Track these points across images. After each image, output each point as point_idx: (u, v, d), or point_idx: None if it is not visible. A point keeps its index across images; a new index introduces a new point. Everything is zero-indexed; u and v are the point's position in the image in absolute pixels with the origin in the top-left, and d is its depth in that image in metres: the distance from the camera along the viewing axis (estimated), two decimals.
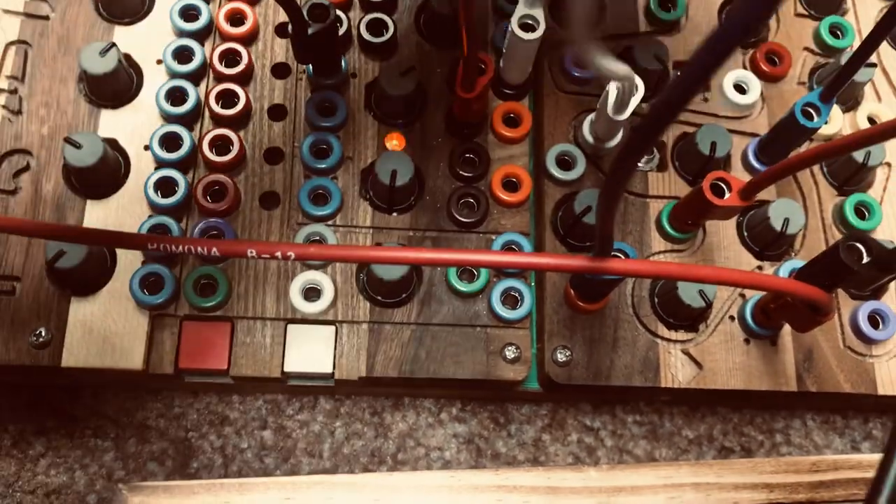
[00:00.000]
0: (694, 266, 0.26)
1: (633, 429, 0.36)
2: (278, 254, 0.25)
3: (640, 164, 0.35)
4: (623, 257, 0.31)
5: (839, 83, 0.30)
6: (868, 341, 0.33)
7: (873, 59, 0.37)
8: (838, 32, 0.37)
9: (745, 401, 0.35)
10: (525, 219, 0.33)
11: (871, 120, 0.36)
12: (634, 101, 0.30)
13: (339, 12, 0.35)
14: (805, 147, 0.35)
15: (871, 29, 0.28)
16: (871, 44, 0.28)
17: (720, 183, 0.30)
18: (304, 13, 0.30)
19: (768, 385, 0.32)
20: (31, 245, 0.31)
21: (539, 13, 0.31)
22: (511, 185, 0.34)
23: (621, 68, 0.27)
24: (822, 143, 0.35)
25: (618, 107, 0.30)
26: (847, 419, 0.37)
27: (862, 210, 0.35)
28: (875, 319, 0.33)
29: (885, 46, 0.38)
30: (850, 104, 0.36)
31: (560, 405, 0.36)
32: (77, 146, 0.31)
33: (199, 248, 0.25)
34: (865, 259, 0.26)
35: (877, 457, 0.31)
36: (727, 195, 0.30)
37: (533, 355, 0.33)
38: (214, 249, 0.25)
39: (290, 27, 0.30)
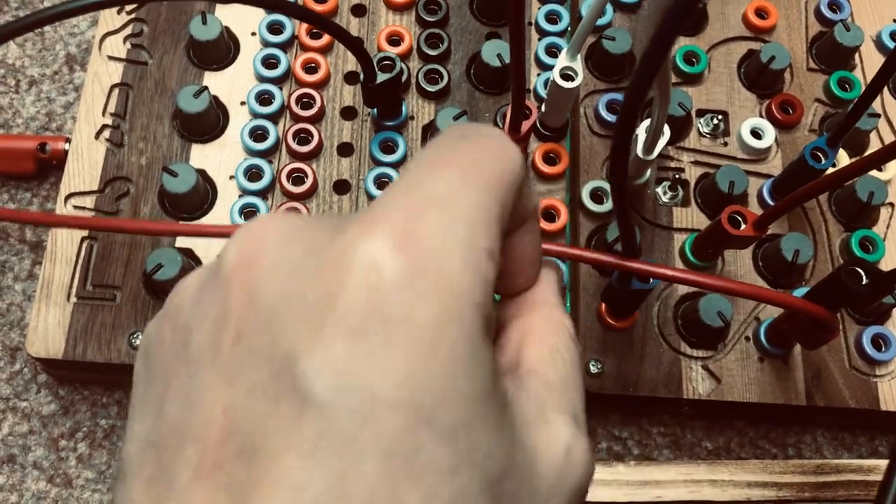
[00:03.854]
0: (712, 276, 0.29)
1: (657, 439, 0.40)
2: None
3: (665, 199, 0.39)
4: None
5: (844, 129, 0.34)
6: (872, 362, 0.37)
7: (879, 109, 0.41)
8: (846, 86, 0.41)
9: (760, 414, 0.39)
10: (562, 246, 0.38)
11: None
12: (661, 143, 0.34)
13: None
14: None
15: (871, 79, 0.32)
16: (871, 93, 0.32)
17: (737, 216, 0.34)
18: (375, 64, 0.35)
19: (781, 399, 0.36)
20: (130, 260, 0.36)
21: (578, 65, 0.35)
22: (549, 216, 0.38)
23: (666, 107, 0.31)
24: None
25: (647, 148, 0.35)
26: (855, 436, 0.40)
27: (867, 244, 0.38)
28: (878, 342, 0.37)
29: (890, 99, 0.42)
30: (856, 150, 0.40)
31: (591, 416, 0.40)
32: (174, 175, 0.35)
33: None
34: (864, 281, 0.30)
35: (874, 462, 0.35)
36: (743, 226, 0.34)
37: None
38: None
39: (361, 76, 0.35)
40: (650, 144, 0.34)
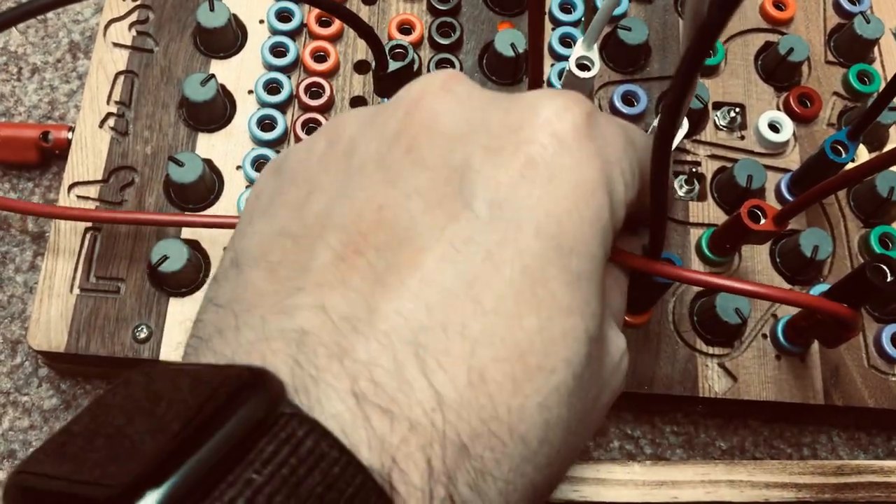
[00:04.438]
0: (734, 278, 0.28)
1: (670, 438, 0.39)
2: None
3: (681, 193, 0.38)
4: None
5: (865, 123, 0.34)
6: (891, 360, 0.36)
7: None
8: (866, 79, 0.40)
9: (775, 413, 0.38)
10: None
11: None
12: (679, 136, 0.34)
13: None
14: None
15: (894, 74, 0.31)
16: (893, 86, 0.31)
17: (756, 210, 0.33)
18: (387, 52, 0.34)
19: (798, 398, 0.35)
20: (134, 251, 0.35)
21: (594, 55, 0.35)
22: None
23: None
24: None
25: None
26: (871, 436, 0.40)
27: (886, 241, 0.38)
28: None
29: None
30: (876, 145, 0.40)
31: None
32: (180, 164, 0.35)
33: None
34: (889, 278, 0.29)
35: (895, 463, 0.34)
36: (762, 221, 0.33)
37: None
38: None
39: (372, 65, 0.34)
40: None
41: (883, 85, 0.41)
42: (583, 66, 0.35)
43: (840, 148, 0.35)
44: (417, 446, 0.17)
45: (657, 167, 0.22)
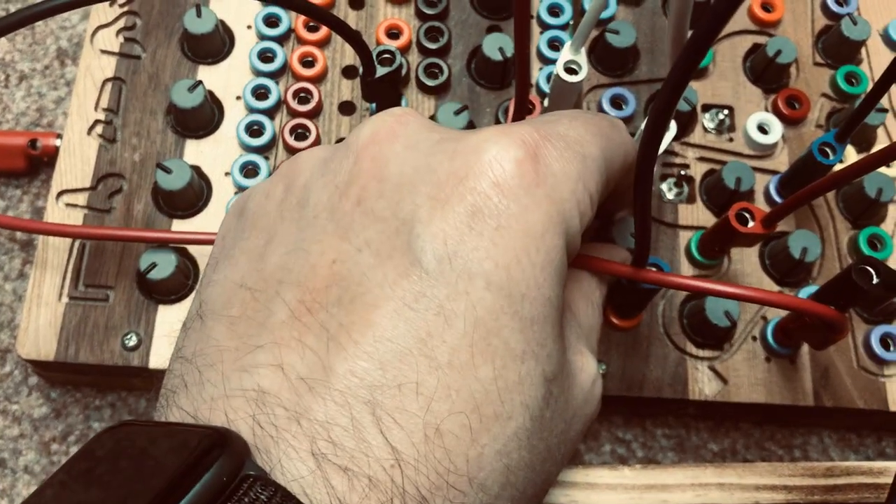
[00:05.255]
0: (722, 282, 0.29)
1: (661, 441, 0.39)
2: None
3: (669, 196, 0.38)
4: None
5: (853, 124, 0.34)
6: (880, 362, 0.36)
7: (886, 104, 0.41)
8: (853, 80, 0.40)
9: (766, 415, 0.38)
10: None
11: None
12: (667, 139, 0.34)
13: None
14: None
15: (881, 75, 0.31)
16: (880, 88, 0.31)
17: (745, 213, 0.33)
18: (374, 57, 0.34)
19: (788, 400, 0.35)
20: (123, 258, 0.35)
21: (582, 59, 0.35)
22: None
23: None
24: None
25: None
26: (861, 437, 0.40)
27: (875, 242, 0.38)
28: (886, 342, 0.36)
29: None
30: (864, 146, 0.40)
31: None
32: (168, 171, 0.35)
33: None
34: (875, 280, 0.29)
35: (885, 464, 0.34)
36: (751, 223, 0.33)
37: None
38: None
39: (360, 70, 0.34)
40: None
41: (870, 86, 0.41)
42: (571, 70, 0.35)
43: (828, 150, 0.35)
44: (378, 503, 0.17)
45: (640, 175, 0.22)
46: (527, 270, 0.19)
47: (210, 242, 0.33)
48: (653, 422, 0.39)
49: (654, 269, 0.34)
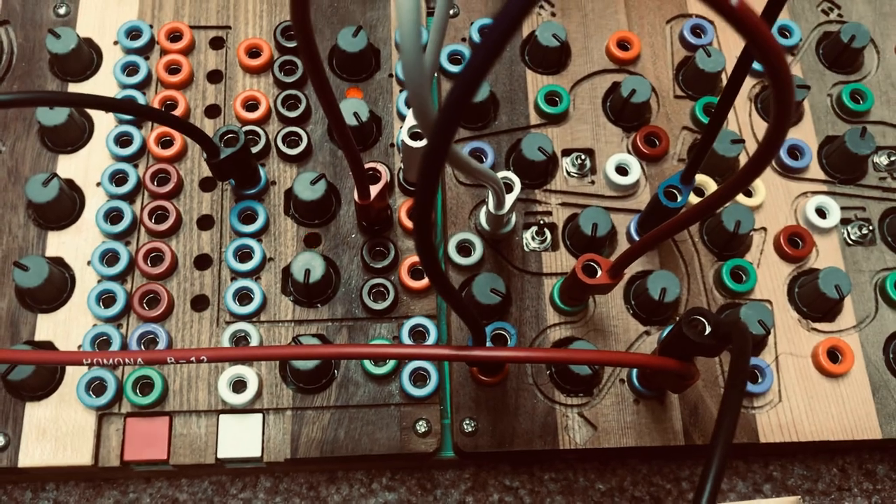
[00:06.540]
0: (554, 350, 0.29)
1: (549, 486, 0.39)
2: (193, 358, 0.29)
3: (533, 245, 0.38)
4: (506, 335, 0.35)
5: (696, 163, 0.34)
6: (748, 395, 0.36)
7: (748, 133, 0.41)
8: (711, 111, 0.41)
9: (650, 452, 0.38)
10: (432, 303, 0.37)
11: (747, 193, 0.40)
12: (511, 198, 0.34)
13: (256, 128, 0.39)
14: None
15: (717, 104, 0.31)
16: (718, 119, 0.31)
17: (592, 263, 0.33)
18: (219, 138, 0.34)
19: (658, 441, 0.36)
20: None
21: None
22: (418, 273, 0.37)
23: (488, 174, 0.31)
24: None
25: (497, 204, 0.34)
26: (748, 463, 0.40)
27: (739, 273, 0.38)
28: (754, 374, 0.37)
29: (759, 120, 0.42)
30: (727, 177, 0.40)
31: (482, 468, 0.39)
32: (25, 269, 0.35)
33: (127, 360, 0.29)
34: (707, 332, 0.29)
35: (775, 501, 0.34)
36: (599, 274, 0.33)
37: (447, 426, 0.36)
38: (140, 359, 0.29)
39: (204, 155, 0.34)
40: (499, 201, 0.34)
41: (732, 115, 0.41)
42: (416, 136, 0.35)
43: (675, 192, 0.35)
44: None
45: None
46: None
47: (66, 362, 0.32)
48: (539, 467, 0.39)
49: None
